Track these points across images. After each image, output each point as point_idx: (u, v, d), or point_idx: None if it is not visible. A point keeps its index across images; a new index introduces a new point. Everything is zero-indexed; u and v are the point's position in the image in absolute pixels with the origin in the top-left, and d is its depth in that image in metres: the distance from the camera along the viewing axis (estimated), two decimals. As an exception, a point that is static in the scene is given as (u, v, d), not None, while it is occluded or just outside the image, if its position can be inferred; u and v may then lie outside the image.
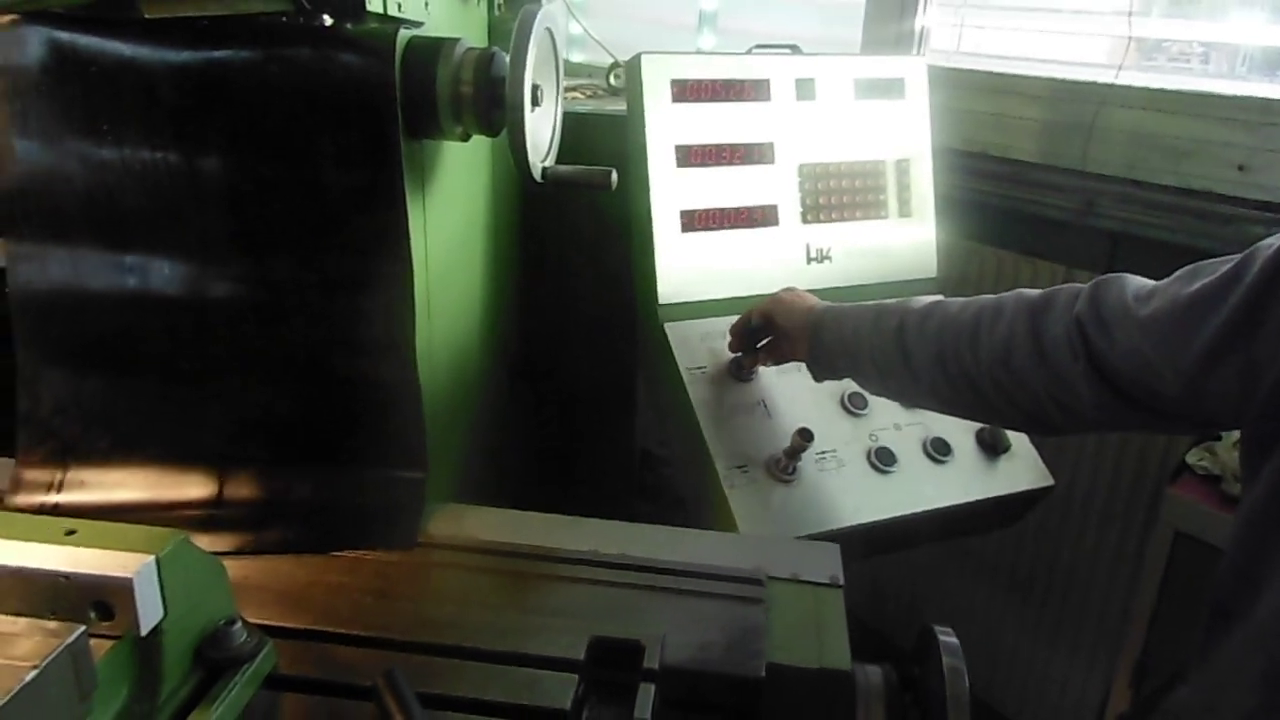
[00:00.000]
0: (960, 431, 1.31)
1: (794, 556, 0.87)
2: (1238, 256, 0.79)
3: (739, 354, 1.27)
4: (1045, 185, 1.72)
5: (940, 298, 1.09)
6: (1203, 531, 1.30)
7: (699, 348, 1.29)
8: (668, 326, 1.30)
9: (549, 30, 0.94)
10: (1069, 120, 1.69)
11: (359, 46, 0.79)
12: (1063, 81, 1.73)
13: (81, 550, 0.60)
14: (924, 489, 1.25)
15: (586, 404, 1.65)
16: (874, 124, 1.46)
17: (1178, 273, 0.86)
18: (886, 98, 1.47)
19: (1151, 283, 0.88)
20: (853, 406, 1.30)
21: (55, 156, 0.84)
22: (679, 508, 1.41)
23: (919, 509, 1.23)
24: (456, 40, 0.86)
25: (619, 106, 1.42)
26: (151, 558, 0.59)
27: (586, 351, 1.59)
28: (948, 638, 0.73)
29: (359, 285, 0.88)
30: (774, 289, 1.26)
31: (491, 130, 0.90)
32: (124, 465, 0.91)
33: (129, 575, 0.58)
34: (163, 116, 0.83)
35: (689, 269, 1.33)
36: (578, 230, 1.52)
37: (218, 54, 0.80)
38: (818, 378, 1.18)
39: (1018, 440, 1.33)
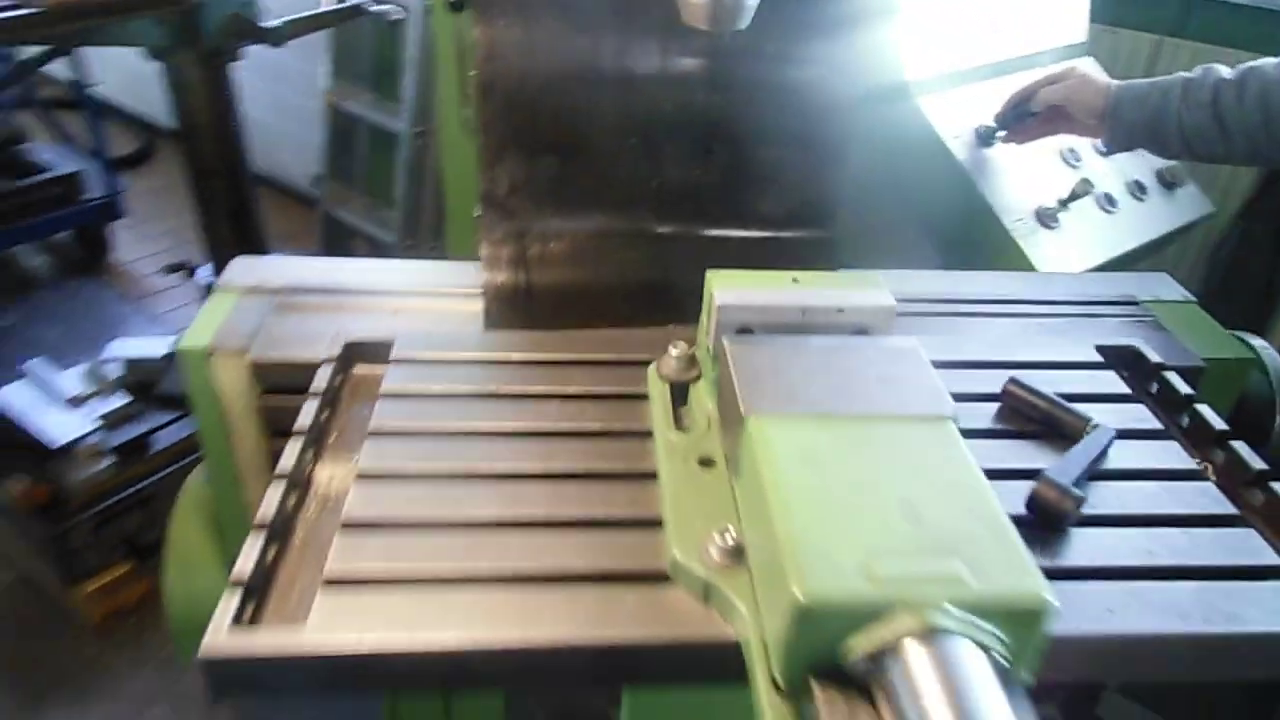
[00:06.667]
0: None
1: (1132, 285, 1.09)
2: None
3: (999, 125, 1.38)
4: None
5: (1255, 63, 1.15)
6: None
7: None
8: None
9: None
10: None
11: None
12: None
13: (831, 290, 0.77)
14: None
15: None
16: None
17: None
18: None
19: None
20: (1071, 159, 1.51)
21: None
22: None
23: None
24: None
25: None
26: (887, 290, 0.77)
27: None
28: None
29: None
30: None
31: None
32: (572, 242, 0.98)
33: (890, 304, 0.76)
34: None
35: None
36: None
37: None
38: (1112, 152, 1.41)
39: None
